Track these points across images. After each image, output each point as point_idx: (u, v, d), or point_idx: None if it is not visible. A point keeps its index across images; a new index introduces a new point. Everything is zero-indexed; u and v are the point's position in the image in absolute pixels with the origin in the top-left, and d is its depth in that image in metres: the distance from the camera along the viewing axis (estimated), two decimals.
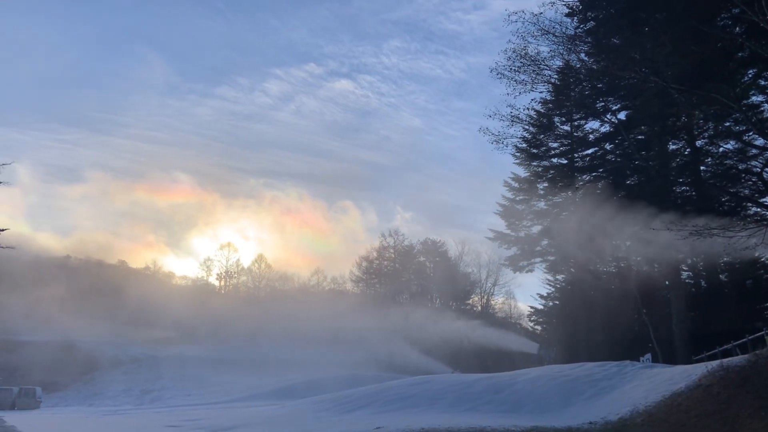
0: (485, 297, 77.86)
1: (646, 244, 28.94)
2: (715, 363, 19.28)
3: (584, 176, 41.65)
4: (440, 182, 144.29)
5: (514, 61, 32.40)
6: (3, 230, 21.71)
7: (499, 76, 32.93)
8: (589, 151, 41.53)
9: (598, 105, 38.99)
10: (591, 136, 41.21)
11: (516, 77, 33.03)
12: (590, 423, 18.13)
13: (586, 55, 33.33)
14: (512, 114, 38.11)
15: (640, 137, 37.42)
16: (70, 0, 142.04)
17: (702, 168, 35.30)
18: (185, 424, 22.84)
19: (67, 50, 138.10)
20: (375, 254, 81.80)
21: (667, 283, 34.35)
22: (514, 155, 42.44)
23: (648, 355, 31.27)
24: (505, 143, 38.71)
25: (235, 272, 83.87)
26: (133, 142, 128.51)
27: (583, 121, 41.60)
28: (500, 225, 47.07)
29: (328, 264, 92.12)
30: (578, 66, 34.37)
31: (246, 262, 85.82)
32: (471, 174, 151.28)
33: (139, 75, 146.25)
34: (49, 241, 74.61)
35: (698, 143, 35.00)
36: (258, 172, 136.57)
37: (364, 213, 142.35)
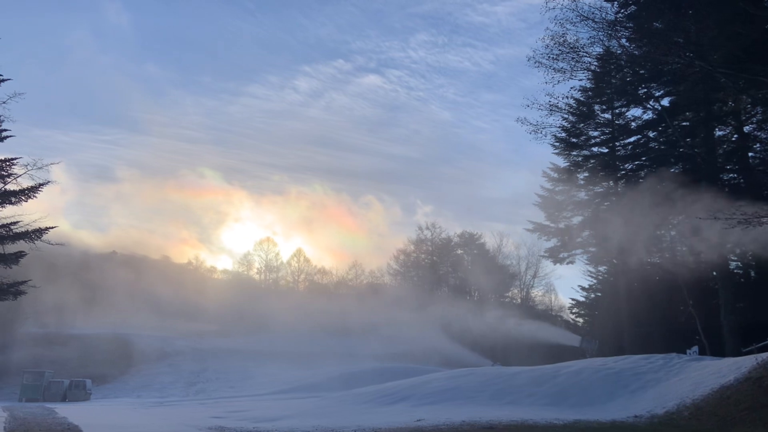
0: (525, 289, 77.05)
1: (692, 233, 28.22)
2: (765, 355, 18.73)
3: (626, 165, 40.81)
4: (472, 175, 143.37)
5: (552, 49, 31.75)
6: (52, 228, 22.41)
7: (537, 64, 32.35)
8: (632, 140, 40.68)
9: (640, 91, 38.09)
10: (633, 123, 40.36)
11: (554, 65, 32.39)
12: (635, 416, 17.78)
13: (627, 41, 32.48)
14: (551, 103, 37.54)
15: (684, 124, 36.47)
16: (106, 3, 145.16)
17: (750, 154, 34.24)
18: (230, 415, 23.23)
19: (105, 53, 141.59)
20: (412, 247, 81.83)
21: (714, 273, 33.41)
22: (552, 145, 41.88)
23: (695, 348, 30.50)
24: (543, 133, 38.22)
25: (275, 266, 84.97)
26: (169, 141, 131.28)
27: (624, 109, 40.73)
28: (539, 216, 46.54)
29: (361, 258, 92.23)
30: (619, 52, 33.52)
31: (283, 257, 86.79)
32: (503, 166, 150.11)
33: (172, 75, 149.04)
34: (89, 238, 76.70)
35: (746, 129, 33.92)
36: (290, 168, 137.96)
37: (397, 207, 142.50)
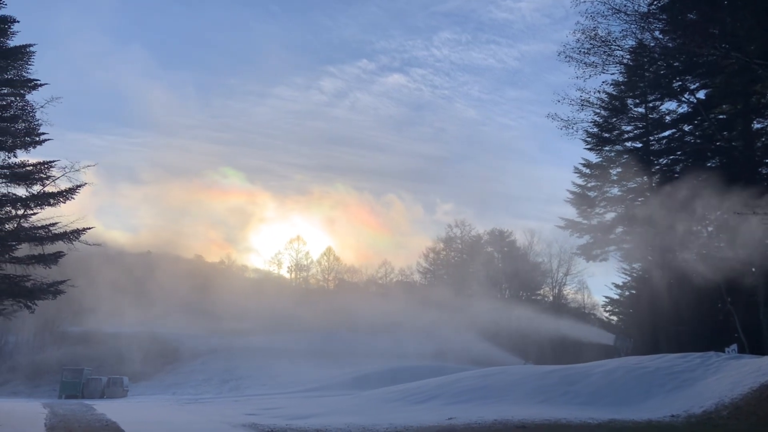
0: (556, 287, 76.14)
1: (730, 228, 27.57)
2: None
3: (661, 160, 40.02)
4: (499, 173, 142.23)
5: (583, 43, 31.31)
6: (89, 229, 22.88)
7: (568, 59, 31.91)
8: (666, 134, 39.85)
9: (674, 85, 37.30)
10: (668, 117, 39.52)
11: (585, 59, 31.93)
12: (672, 416, 17.44)
13: (660, 33, 31.79)
14: (582, 98, 37.01)
15: (721, 117, 35.61)
16: (137, 13, 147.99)
17: None
18: (262, 412, 23.49)
19: (135, 58, 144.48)
20: (442, 245, 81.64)
21: (753, 269, 32.54)
22: (584, 140, 41.24)
23: (734, 346, 29.79)
24: (574, 128, 37.71)
25: (304, 265, 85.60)
26: (197, 143, 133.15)
27: (658, 102, 39.88)
28: (570, 213, 45.86)
29: (384, 257, 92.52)
30: (652, 45, 32.87)
31: (313, 256, 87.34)
32: (531, 163, 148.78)
33: (201, 78, 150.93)
34: (121, 238, 78.21)
35: None
36: (315, 168, 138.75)
37: (423, 205, 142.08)
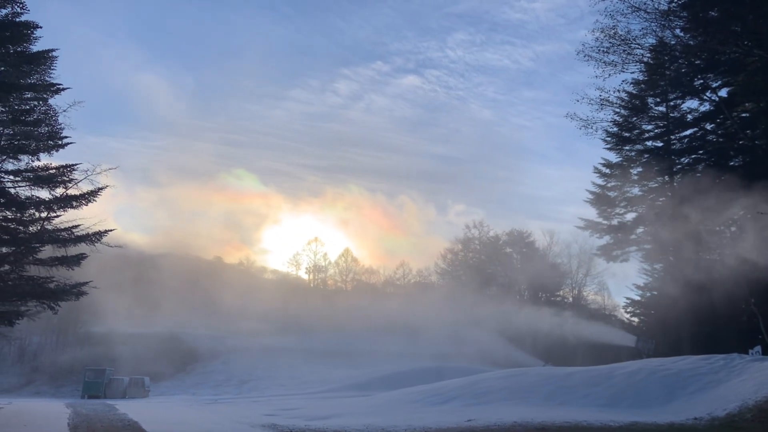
0: (576, 288, 75.49)
1: (754, 228, 27.13)
2: None
3: (683, 159, 39.61)
4: (515, 173, 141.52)
5: (602, 42, 31.10)
6: (110, 231, 23.14)
7: (587, 58, 31.73)
8: (688, 132, 39.49)
9: (696, 83, 36.88)
10: (689, 116, 39.16)
11: (605, 58, 31.72)
12: (695, 419, 17.19)
13: (681, 31, 31.44)
14: (601, 97, 36.77)
15: (744, 115, 35.11)
16: (151, 16, 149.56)
17: None
18: (282, 413, 23.57)
19: (152, 63, 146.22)
20: (460, 246, 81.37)
21: None
22: (604, 140, 40.99)
23: (758, 348, 29.22)
24: (594, 128, 37.47)
25: (323, 266, 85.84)
26: (213, 145, 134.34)
27: (679, 101, 39.51)
28: (590, 213, 45.55)
29: (400, 258, 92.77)
30: (673, 43, 32.51)
31: (330, 257, 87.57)
32: (547, 164, 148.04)
33: (217, 81, 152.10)
34: (139, 240, 78.91)
35: None
36: (328, 169, 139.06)
37: (440, 206, 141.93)
